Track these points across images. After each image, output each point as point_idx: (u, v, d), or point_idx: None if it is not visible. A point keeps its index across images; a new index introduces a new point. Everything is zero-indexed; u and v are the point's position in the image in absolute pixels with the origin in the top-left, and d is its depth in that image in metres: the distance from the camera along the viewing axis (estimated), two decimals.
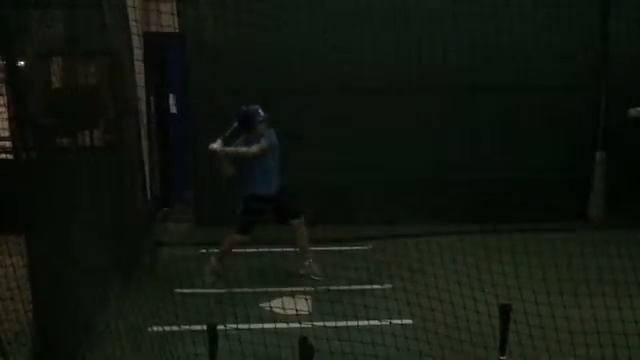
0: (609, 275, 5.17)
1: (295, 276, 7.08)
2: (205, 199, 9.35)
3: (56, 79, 5.52)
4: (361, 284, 6.41)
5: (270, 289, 6.52)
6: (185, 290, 6.31)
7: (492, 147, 9.24)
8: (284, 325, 5.25)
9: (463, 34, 8.08)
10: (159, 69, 10.03)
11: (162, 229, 9.02)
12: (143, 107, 8.23)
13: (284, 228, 6.97)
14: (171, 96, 10.42)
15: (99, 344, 5.06)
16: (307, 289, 6.62)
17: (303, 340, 4.38)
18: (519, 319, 4.90)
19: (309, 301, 6.32)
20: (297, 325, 5.09)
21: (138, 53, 7.23)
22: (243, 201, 6.92)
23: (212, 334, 4.44)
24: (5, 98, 4.35)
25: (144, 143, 8.33)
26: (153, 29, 9.08)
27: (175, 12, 8.42)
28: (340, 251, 7.85)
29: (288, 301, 6.06)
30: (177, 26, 8.72)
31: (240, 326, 5.06)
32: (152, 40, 8.92)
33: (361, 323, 5.13)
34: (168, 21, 8.27)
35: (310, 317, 5.55)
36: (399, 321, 5.44)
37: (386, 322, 5.30)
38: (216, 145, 6.72)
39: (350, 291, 6.17)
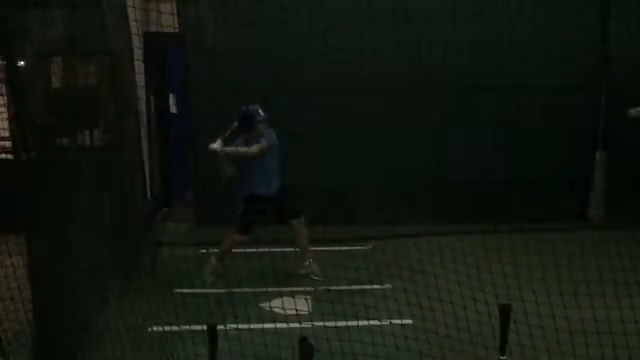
0: (609, 275, 5.17)
1: (295, 276, 7.08)
2: (205, 199, 9.35)
3: (56, 79, 5.52)
4: (361, 284, 6.40)
5: (270, 289, 6.52)
6: (185, 290, 6.31)
7: (492, 147, 9.24)
8: (284, 325, 5.25)
9: (463, 34, 8.08)
10: (159, 69, 10.03)
11: (162, 229, 9.01)
12: (143, 107, 8.23)
13: (284, 228, 6.97)
14: (171, 96, 10.41)
15: (99, 344, 5.06)
16: (307, 289, 6.61)
17: (303, 340, 4.38)
18: (519, 319, 4.90)
19: (309, 301, 6.32)
20: (297, 325, 5.09)
21: (138, 53, 7.22)
22: (243, 201, 6.92)
23: (212, 334, 4.44)
24: (5, 98, 4.35)
25: (144, 143, 8.33)
26: (153, 29, 9.07)
27: (175, 12, 8.42)
28: (340, 251, 7.84)
29: (288, 301, 6.06)
30: (177, 26, 8.71)
31: (240, 326, 5.05)
32: (152, 40, 8.92)
33: (361, 323, 5.12)
34: (168, 21, 8.27)
35: (310, 317, 5.54)
36: (399, 321, 5.44)
37: (386, 322, 5.30)
38: (216, 145, 6.72)
39: (350, 291, 6.16)
